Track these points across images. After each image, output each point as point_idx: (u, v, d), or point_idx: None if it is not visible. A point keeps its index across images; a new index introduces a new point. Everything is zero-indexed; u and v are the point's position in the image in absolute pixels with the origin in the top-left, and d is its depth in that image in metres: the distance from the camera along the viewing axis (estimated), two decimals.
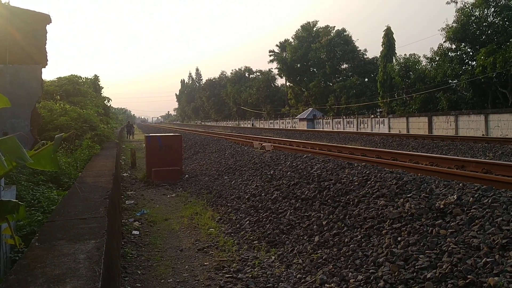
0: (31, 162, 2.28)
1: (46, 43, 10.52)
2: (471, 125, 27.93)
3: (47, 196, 6.39)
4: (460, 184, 6.22)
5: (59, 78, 22.47)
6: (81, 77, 25.07)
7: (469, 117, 28.32)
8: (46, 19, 10.52)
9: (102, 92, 35.12)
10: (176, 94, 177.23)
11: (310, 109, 57.40)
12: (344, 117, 46.93)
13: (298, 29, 68.94)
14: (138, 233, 7.69)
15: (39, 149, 2.41)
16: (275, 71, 76.15)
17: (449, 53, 35.49)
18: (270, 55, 74.35)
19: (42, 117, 11.63)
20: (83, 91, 22.14)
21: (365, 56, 60.59)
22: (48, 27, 10.63)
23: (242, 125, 77.38)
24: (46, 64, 10.54)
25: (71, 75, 23.73)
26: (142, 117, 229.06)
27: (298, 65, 66.42)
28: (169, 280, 5.44)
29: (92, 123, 16.25)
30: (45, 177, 7.91)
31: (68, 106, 16.37)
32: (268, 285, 5.05)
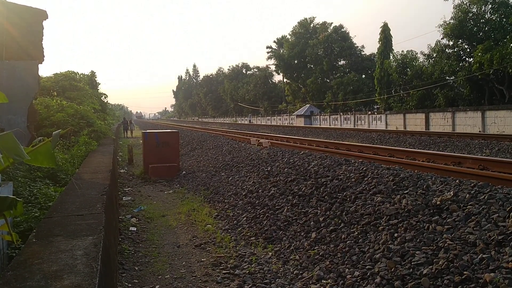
0: (28, 159, 2.27)
1: (42, 39, 10.47)
2: (468, 122, 27.99)
3: (44, 192, 6.38)
4: (457, 181, 6.23)
5: (56, 74, 22.37)
6: (77, 73, 24.97)
7: (466, 113, 28.38)
8: (43, 15, 10.47)
9: (99, 88, 35.01)
10: (173, 90, 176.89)
11: (308, 105, 57.37)
12: (341, 113, 46.94)
13: (295, 25, 68.85)
14: (135, 229, 7.69)
15: (37, 146, 2.40)
16: (273, 68, 76.19)
17: (446, 50, 35.54)
18: (267, 52, 74.33)
19: (39, 113, 11.59)
20: (80, 87, 22.05)
21: (363, 53, 60.60)
22: (44, 22, 10.58)
23: (239, 122, 77.31)
24: (43, 60, 10.49)
25: (68, 71, 23.63)
26: (138, 111, 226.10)
27: (296, 61, 66.33)
28: (166, 276, 5.45)
29: (89, 120, 16.22)
30: (42, 173, 7.90)
31: (65, 102, 16.31)
32: (265, 281, 5.06)
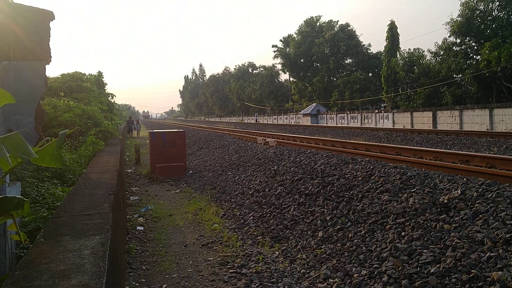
0: (36, 158, 2.29)
1: (49, 40, 10.52)
2: (475, 120, 27.79)
3: (51, 192, 6.41)
4: (464, 179, 6.20)
5: (63, 75, 22.48)
6: (84, 74, 25.05)
7: (473, 111, 28.18)
8: (49, 15, 10.52)
9: (106, 88, 35.13)
10: (179, 90, 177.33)
11: (314, 104, 57.20)
12: (348, 112, 46.77)
13: (301, 24, 68.64)
14: (142, 228, 7.72)
15: (44, 146, 2.42)
16: (279, 67, 76.03)
17: (454, 48, 35.34)
18: (273, 51, 74.14)
19: (46, 114, 11.66)
20: (87, 88, 22.13)
21: (369, 51, 60.32)
22: (51, 23, 10.63)
23: (246, 121, 77.31)
24: (50, 61, 10.54)
25: (75, 71, 23.72)
26: (145, 111, 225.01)
27: (302, 60, 66.16)
28: (173, 276, 5.47)
29: (96, 120, 16.28)
30: (50, 173, 7.95)
31: (72, 102, 16.39)
32: (272, 280, 5.06)
